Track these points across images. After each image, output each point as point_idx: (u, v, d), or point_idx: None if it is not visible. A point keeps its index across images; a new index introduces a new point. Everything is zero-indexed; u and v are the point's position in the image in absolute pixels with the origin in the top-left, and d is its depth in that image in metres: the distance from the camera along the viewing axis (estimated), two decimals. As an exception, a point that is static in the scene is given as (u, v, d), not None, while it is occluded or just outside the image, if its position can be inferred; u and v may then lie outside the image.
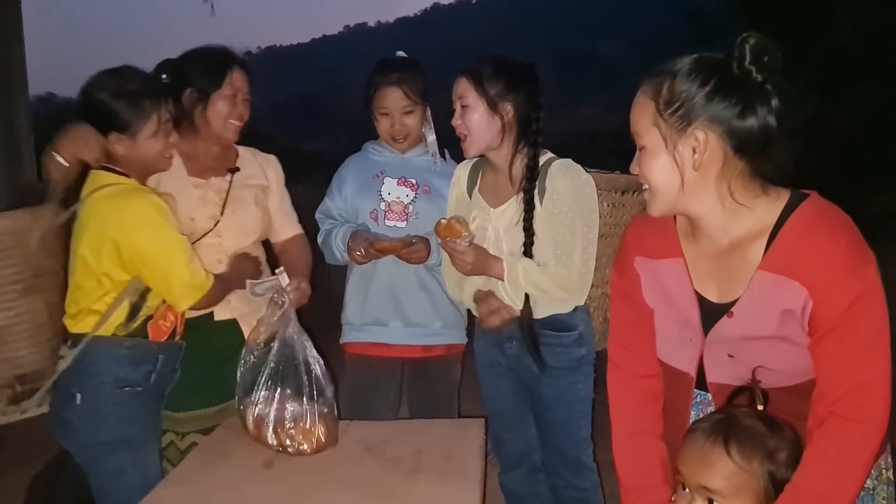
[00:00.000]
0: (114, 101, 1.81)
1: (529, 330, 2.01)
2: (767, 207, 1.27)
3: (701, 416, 1.41)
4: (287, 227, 2.34)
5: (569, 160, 2.01)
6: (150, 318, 1.87)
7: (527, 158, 1.99)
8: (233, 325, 2.15)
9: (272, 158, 2.34)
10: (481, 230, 2.07)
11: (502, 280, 2.00)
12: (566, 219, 1.94)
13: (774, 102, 1.22)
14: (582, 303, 2.04)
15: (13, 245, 1.80)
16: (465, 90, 1.99)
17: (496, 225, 2.05)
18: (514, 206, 2.02)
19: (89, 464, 1.85)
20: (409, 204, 2.29)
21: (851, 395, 1.20)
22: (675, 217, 1.39)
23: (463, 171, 2.21)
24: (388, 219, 2.29)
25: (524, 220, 1.97)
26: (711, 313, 1.34)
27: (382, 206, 2.28)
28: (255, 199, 2.21)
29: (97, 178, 1.82)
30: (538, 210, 1.96)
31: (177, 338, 1.96)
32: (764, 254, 1.26)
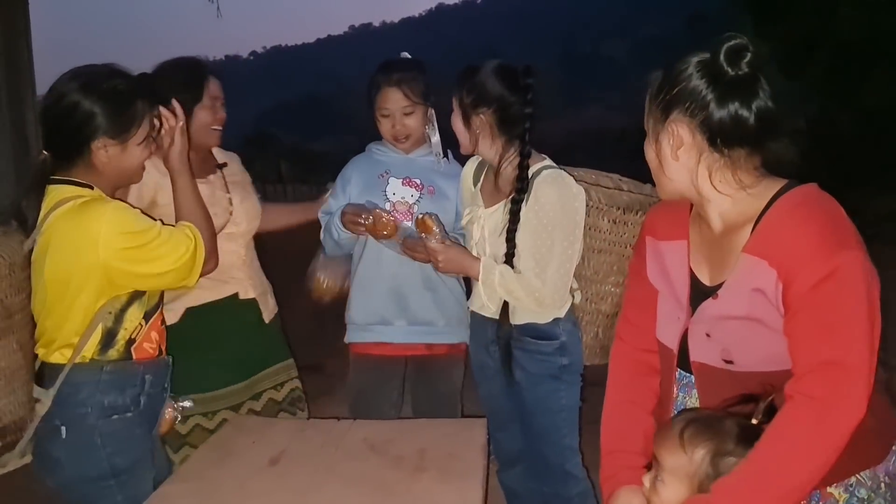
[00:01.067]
0: (103, 102, 1.63)
1: (506, 339, 2.05)
2: (757, 196, 1.30)
3: (687, 397, 1.45)
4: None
5: (559, 171, 1.98)
6: (131, 342, 1.71)
7: (516, 166, 1.99)
8: (253, 303, 2.30)
9: (235, 156, 2.48)
10: (470, 226, 2.11)
11: (477, 280, 2.04)
12: (545, 231, 1.93)
13: (755, 100, 1.26)
14: (561, 315, 2.04)
15: None
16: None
17: (484, 224, 2.07)
18: (501, 210, 2.03)
19: (82, 499, 1.71)
20: (414, 204, 2.30)
21: (813, 373, 1.18)
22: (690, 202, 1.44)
23: (470, 166, 2.25)
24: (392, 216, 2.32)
25: (507, 230, 1.98)
26: (700, 294, 1.38)
27: (387, 206, 2.29)
28: (247, 188, 2.40)
29: (55, 193, 1.64)
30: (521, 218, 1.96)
31: (162, 354, 1.84)
32: (749, 237, 1.29)
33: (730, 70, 1.25)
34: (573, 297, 2.07)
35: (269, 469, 1.73)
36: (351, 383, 2.45)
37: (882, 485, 1.33)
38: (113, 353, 1.69)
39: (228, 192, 2.29)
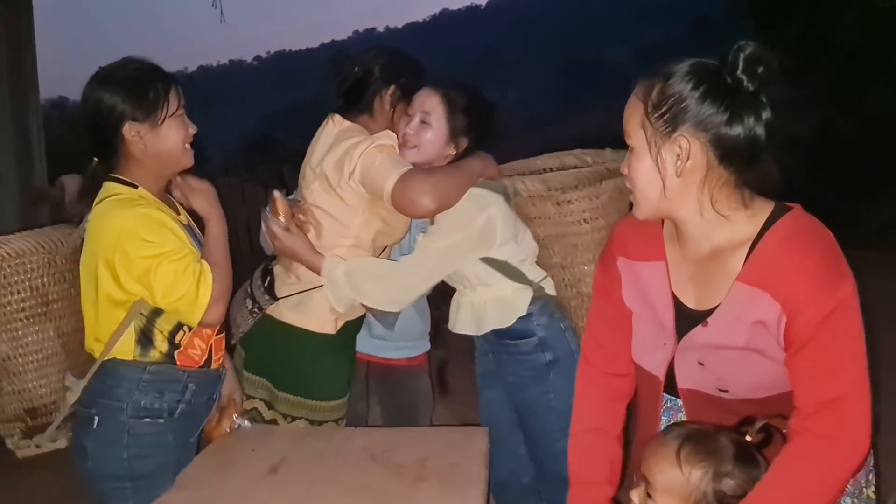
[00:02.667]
0: (122, 90, 1.64)
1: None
2: (750, 218, 1.27)
3: (672, 421, 1.41)
4: None
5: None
6: (174, 346, 1.71)
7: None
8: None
9: None
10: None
11: (317, 273, 1.95)
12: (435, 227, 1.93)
13: (766, 114, 1.21)
14: (523, 311, 1.98)
15: (15, 272, 1.72)
16: (434, 107, 1.96)
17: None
18: None
19: (97, 494, 1.73)
20: None
21: (823, 412, 1.20)
22: (662, 221, 1.40)
23: None
24: None
25: None
26: (687, 319, 1.35)
27: None
28: None
29: (104, 190, 1.69)
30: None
31: (213, 364, 1.82)
32: (743, 265, 1.26)
33: (748, 83, 1.19)
34: (543, 286, 2.01)
35: (268, 477, 1.72)
36: None
37: (862, 490, 1.37)
38: (155, 355, 1.69)
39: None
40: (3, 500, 2.93)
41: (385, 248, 2.11)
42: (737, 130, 1.21)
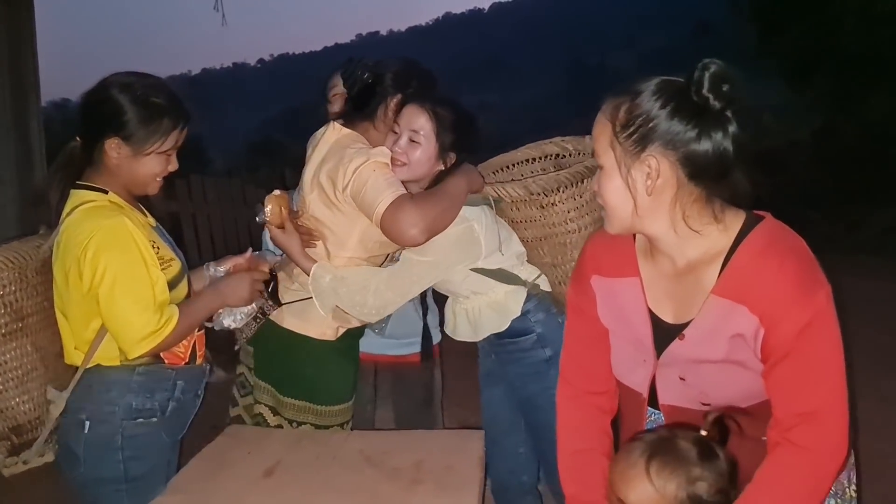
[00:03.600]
0: (132, 106, 1.64)
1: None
2: (722, 231, 1.27)
3: None
4: None
5: None
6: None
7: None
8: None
9: None
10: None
11: (305, 273, 1.96)
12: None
13: (732, 128, 1.20)
14: (517, 312, 1.98)
15: None
16: (422, 125, 1.92)
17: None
18: None
19: (91, 499, 1.73)
20: None
21: (804, 423, 1.21)
22: (634, 235, 1.39)
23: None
24: None
25: None
26: (664, 334, 1.34)
27: None
28: None
29: (74, 198, 1.67)
30: None
31: (198, 360, 1.83)
32: (718, 278, 1.26)
33: (714, 101, 1.18)
34: (538, 284, 2.01)
35: (263, 481, 1.71)
36: None
37: (846, 490, 1.39)
38: (140, 359, 1.67)
39: None
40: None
41: (388, 255, 2.10)
42: (705, 147, 1.20)
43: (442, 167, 1.95)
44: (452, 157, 1.95)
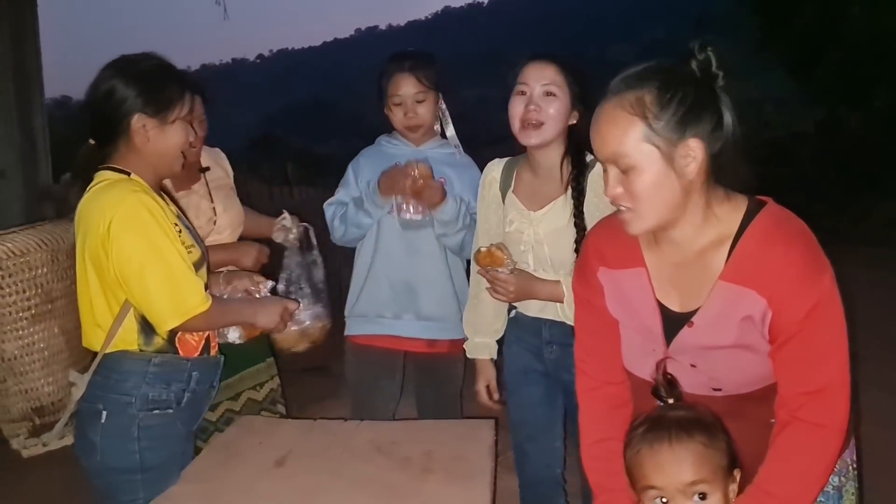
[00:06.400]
0: (138, 83, 1.64)
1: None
2: (729, 216, 1.28)
3: None
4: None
5: None
6: (172, 332, 1.69)
7: (573, 155, 1.95)
8: None
9: (220, 152, 2.49)
10: (518, 234, 2.01)
11: (558, 302, 1.94)
12: None
13: (733, 109, 1.24)
14: None
15: (18, 270, 1.69)
16: (553, 77, 1.89)
17: (537, 229, 1.99)
18: (558, 207, 1.96)
19: (106, 488, 1.72)
20: None
21: (813, 401, 1.24)
22: None
23: (496, 171, 2.12)
24: (403, 211, 2.31)
25: (575, 215, 1.91)
26: (673, 323, 1.35)
27: (398, 198, 2.27)
28: (229, 192, 2.43)
29: (95, 178, 1.67)
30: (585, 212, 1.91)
31: (212, 351, 1.84)
32: (725, 264, 1.27)
33: (721, 79, 1.21)
34: None
35: (275, 470, 1.72)
36: (350, 375, 2.47)
37: (849, 469, 1.43)
38: (158, 341, 1.68)
39: (212, 200, 2.32)
40: (13, 495, 2.94)
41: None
42: (727, 122, 1.23)
43: (573, 122, 1.93)
44: (578, 113, 1.93)
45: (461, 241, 2.27)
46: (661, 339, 1.37)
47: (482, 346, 2.20)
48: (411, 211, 2.26)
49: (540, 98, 1.89)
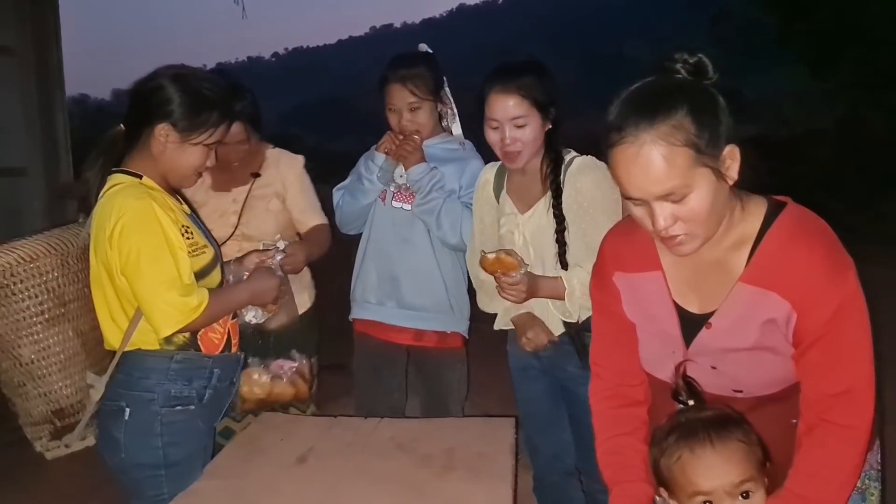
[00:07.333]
0: (184, 95, 1.67)
1: (577, 333, 2.00)
2: (750, 217, 1.27)
3: None
4: (310, 220, 2.47)
5: (589, 157, 1.98)
6: (197, 332, 1.72)
7: (552, 151, 1.99)
8: None
9: (296, 161, 2.46)
10: (509, 235, 2.07)
11: (559, 299, 1.97)
12: (588, 214, 1.93)
13: None
14: None
15: (30, 275, 1.72)
16: (516, 108, 1.92)
17: (524, 231, 2.05)
18: (541, 208, 2.02)
19: (131, 484, 1.75)
20: None
21: (841, 402, 1.22)
22: None
23: (489, 173, 2.18)
24: (396, 199, 2.37)
25: (553, 206, 1.96)
26: (691, 324, 1.34)
27: (392, 187, 2.37)
28: (268, 205, 2.38)
29: (110, 181, 1.70)
30: (563, 207, 1.95)
31: (233, 348, 1.86)
32: (746, 265, 1.25)
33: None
34: None
35: (297, 467, 1.73)
36: (355, 362, 2.54)
37: (873, 471, 1.42)
38: (180, 339, 1.70)
39: (242, 210, 2.32)
40: (36, 493, 2.99)
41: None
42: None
43: (549, 127, 1.97)
44: (554, 113, 1.97)
45: (435, 212, 2.28)
46: (680, 341, 1.36)
47: (503, 311, 2.18)
48: (401, 194, 2.34)
49: (511, 130, 1.94)
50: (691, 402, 1.33)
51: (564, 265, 1.97)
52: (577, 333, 2.00)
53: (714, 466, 1.22)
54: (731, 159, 1.20)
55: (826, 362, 1.23)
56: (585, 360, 1.99)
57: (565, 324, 2.03)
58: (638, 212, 1.24)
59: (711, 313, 1.31)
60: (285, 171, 2.43)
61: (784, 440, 1.28)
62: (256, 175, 2.37)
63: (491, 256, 1.94)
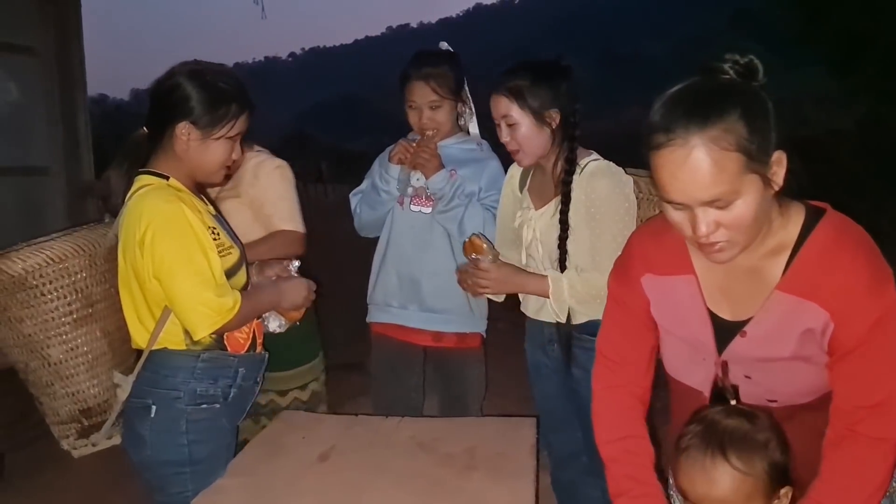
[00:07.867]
0: (201, 91, 1.67)
1: (566, 338, 2.02)
2: (788, 224, 1.24)
3: None
4: (276, 225, 2.31)
5: (607, 162, 1.98)
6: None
7: (565, 153, 1.98)
8: None
9: (273, 166, 2.34)
10: (521, 228, 2.09)
11: (544, 296, 2.00)
12: (595, 221, 1.92)
13: None
14: None
15: (58, 276, 1.74)
16: (506, 109, 1.96)
17: (535, 226, 2.06)
18: (552, 209, 2.02)
19: (156, 481, 1.76)
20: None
21: (874, 415, 1.20)
22: None
23: (516, 168, 2.19)
24: (414, 203, 2.36)
25: (560, 212, 1.95)
26: (724, 332, 1.32)
27: (409, 191, 2.36)
28: (232, 208, 2.25)
29: (136, 183, 1.70)
30: (572, 211, 1.95)
31: (257, 348, 1.87)
32: (783, 273, 1.23)
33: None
34: None
35: (319, 465, 1.74)
36: (372, 366, 2.55)
37: None
38: (206, 338, 1.70)
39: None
40: (62, 489, 3.03)
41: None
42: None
43: (553, 127, 1.97)
44: (555, 116, 1.96)
45: (458, 219, 2.28)
46: (713, 348, 1.34)
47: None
48: (422, 199, 2.34)
49: (506, 130, 1.99)
50: (733, 402, 1.29)
51: (563, 270, 1.98)
52: (567, 337, 2.02)
53: (694, 475, 1.23)
54: (779, 166, 1.16)
55: (860, 373, 1.20)
56: (569, 361, 2.01)
57: (556, 325, 2.04)
58: (677, 216, 1.19)
59: (745, 321, 1.28)
60: (262, 176, 2.32)
61: (816, 447, 1.26)
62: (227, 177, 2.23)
63: (466, 241, 2.03)
